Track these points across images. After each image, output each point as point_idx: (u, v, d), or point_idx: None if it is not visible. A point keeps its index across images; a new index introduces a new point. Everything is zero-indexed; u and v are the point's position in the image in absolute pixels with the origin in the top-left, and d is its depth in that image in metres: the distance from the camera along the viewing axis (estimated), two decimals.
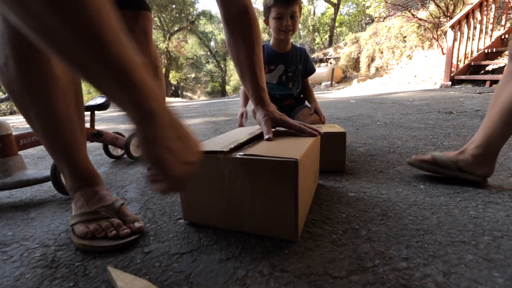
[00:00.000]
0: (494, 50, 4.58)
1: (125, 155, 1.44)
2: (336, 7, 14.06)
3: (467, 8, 4.39)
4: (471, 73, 4.60)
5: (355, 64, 9.68)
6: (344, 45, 11.04)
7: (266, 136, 0.71)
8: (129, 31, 0.93)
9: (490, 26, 4.67)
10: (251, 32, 0.76)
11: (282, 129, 0.81)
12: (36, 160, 1.59)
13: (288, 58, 1.37)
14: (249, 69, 0.78)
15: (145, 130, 0.40)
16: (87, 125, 1.04)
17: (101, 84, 0.37)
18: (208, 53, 23.06)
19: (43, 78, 0.59)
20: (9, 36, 0.55)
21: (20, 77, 0.58)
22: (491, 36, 4.74)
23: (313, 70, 1.46)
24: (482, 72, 4.61)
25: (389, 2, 8.16)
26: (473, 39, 4.59)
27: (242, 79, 0.81)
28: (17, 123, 4.92)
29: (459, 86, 4.53)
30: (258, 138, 0.75)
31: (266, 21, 1.31)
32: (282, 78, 1.38)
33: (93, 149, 1.76)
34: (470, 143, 0.83)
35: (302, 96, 1.51)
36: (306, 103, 1.49)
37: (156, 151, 0.40)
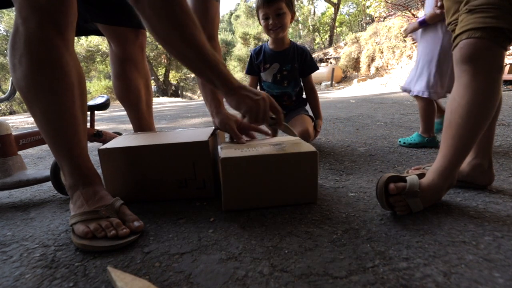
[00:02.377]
0: None
1: None
2: (336, 7, 14.06)
3: None
4: None
5: (355, 64, 9.68)
6: (344, 45, 11.04)
7: (241, 140, 0.87)
8: (128, 46, 1.04)
9: None
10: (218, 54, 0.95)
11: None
12: (36, 160, 1.59)
13: (283, 57, 1.36)
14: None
15: (229, 94, 0.74)
16: (87, 125, 1.04)
17: (206, 76, 0.72)
18: None
19: (54, 75, 0.64)
20: (26, 36, 0.61)
21: (31, 73, 0.63)
22: None
23: (312, 69, 1.40)
24: None
25: (389, 2, 8.16)
26: None
27: (203, 88, 0.95)
28: (17, 123, 4.92)
29: None
30: None
31: (260, 23, 1.34)
32: (276, 76, 1.37)
33: (93, 149, 1.75)
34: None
35: (303, 97, 1.48)
36: (308, 110, 1.44)
37: (237, 100, 0.74)
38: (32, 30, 0.61)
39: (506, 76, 4.18)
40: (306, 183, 0.74)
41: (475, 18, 0.61)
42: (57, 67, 0.64)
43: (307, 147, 0.75)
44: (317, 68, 1.43)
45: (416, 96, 1.31)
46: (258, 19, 1.32)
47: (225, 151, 0.74)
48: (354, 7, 18.40)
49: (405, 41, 7.92)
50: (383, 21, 9.01)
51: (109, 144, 0.82)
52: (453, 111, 0.67)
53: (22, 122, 5.08)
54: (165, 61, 18.68)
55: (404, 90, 1.38)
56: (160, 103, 9.27)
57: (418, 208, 0.67)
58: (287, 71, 1.36)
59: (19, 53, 0.62)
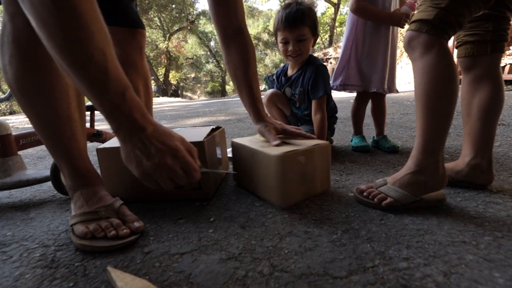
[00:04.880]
0: None
1: None
2: (336, 6, 14.07)
3: None
4: None
5: None
6: None
7: (274, 143, 0.77)
8: (125, 47, 1.00)
9: None
10: (246, 50, 0.83)
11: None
12: (36, 160, 1.59)
13: (291, 82, 1.26)
14: (246, 86, 0.84)
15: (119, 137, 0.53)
16: (87, 125, 1.04)
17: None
18: (208, 53, 23.05)
19: (45, 77, 0.61)
20: (14, 35, 0.58)
21: (22, 75, 0.60)
22: None
23: (312, 94, 1.18)
24: None
25: None
26: None
27: (239, 94, 0.87)
28: (17, 123, 4.92)
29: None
30: None
31: (277, 42, 1.21)
32: (291, 98, 1.30)
33: (93, 149, 1.75)
34: (463, 156, 0.83)
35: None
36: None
37: (126, 152, 0.53)
38: (20, 27, 0.57)
39: (506, 76, 4.19)
40: (324, 173, 0.82)
41: (414, 14, 0.71)
42: (49, 69, 0.61)
43: (318, 141, 0.82)
44: (319, 94, 1.15)
45: (384, 94, 1.31)
46: (276, 40, 1.20)
47: (268, 150, 0.74)
48: None
49: None
50: None
51: (107, 144, 0.82)
52: None
53: (22, 122, 5.08)
54: (165, 61, 18.70)
55: (378, 89, 1.29)
56: (160, 103, 9.27)
57: (401, 195, 0.69)
58: (296, 95, 1.27)
59: (8, 54, 0.59)
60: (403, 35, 0.75)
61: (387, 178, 0.75)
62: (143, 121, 0.51)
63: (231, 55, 0.84)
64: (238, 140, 0.86)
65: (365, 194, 0.74)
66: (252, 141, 0.86)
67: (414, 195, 0.69)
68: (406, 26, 1.15)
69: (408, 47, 0.72)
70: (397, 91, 1.37)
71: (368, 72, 1.30)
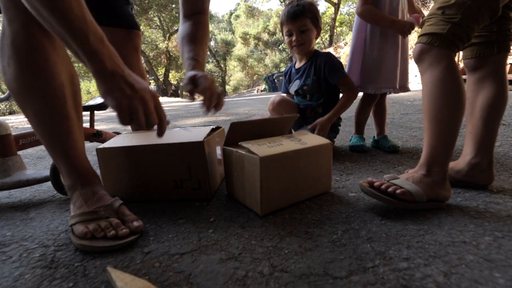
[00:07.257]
0: None
1: None
2: (337, 6, 14.07)
3: None
4: None
5: None
6: (345, 45, 11.04)
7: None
8: (122, 47, 0.99)
9: None
10: (204, 27, 0.92)
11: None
12: (36, 160, 1.59)
13: (302, 73, 1.32)
14: (190, 44, 0.87)
15: (98, 76, 0.55)
16: (87, 125, 1.04)
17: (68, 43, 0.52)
18: (208, 52, 23.10)
19: (41, 75, 0.63)
20: (11, 38, 0.60)
21: (19, 75, 0.62)
22: None
23: (332, 77, 1.25)
24: None
25: None
26: None
27: (181, 51, 0.90)
28: (17, 123, 4.91)
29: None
30: None
31: (283, 36, 1.31)
32: (299, 91, 1.34)
33: (93, 149, 1.75)
34: (463, 155, 0.83)
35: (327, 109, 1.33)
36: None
37: (106, 88, 0.56)
38: (17, 31, 0.60)
39: (507, 76, 4.19)
40: (324, 174, 0.80)
41: (424, 26, 0.73)
42: (44, 68, 0.63)
43: (322, 139, 0.80)
44: (339, 75, 1.24)
45: (385, 94, 1.36)
46: (282, 34, 1.31)
47: (255, 149, 0.68)
48: (355, 7, 18.37)
49: None
50: None
51: (107, 144, 0.82)
52: None
53: (22, 122, 5.08)
54: (165, 61, 18.69)
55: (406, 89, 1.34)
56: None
57: (414, 189, 0.68)
58: (307, 85, 1.30)
59: (7, 55, 0.61)
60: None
61: (397, 175, 0.74)
62: (119, 63, 0.57)
63: (186, 26, 0.90)
64: (228, 146, 0.79)
65: (375, 185, 0.71)
66: (241, 145, 0.76)
67: (425, 193, 0.68)
68: (412, 36, 1.15)
69: (419, 59, 0.73)
70: (409, 89, 1.36)
71: (378, 73, 1.28)
